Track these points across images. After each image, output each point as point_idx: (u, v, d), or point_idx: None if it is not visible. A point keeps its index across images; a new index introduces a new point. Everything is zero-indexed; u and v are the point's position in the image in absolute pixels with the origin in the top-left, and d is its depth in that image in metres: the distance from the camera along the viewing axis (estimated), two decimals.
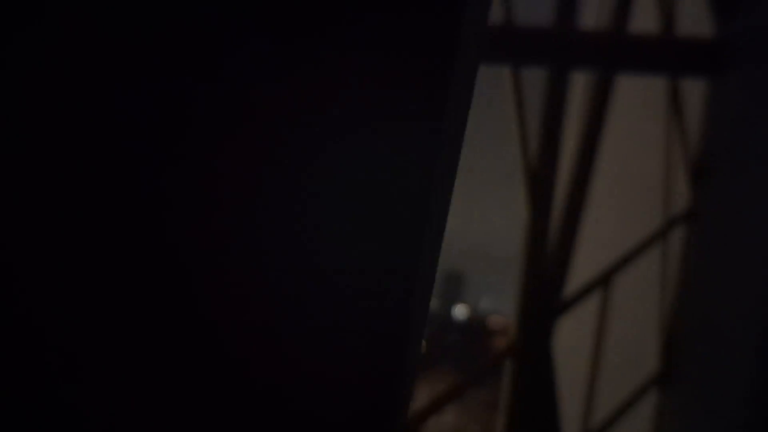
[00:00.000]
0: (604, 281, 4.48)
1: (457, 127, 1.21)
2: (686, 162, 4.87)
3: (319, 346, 1.08)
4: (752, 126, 4.57)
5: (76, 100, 1.09)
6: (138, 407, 1.07)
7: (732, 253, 4.53)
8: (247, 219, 1.09)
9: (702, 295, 4.71)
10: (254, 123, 1.10)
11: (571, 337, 4.91)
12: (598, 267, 4.59)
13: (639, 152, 5.39)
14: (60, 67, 1.10)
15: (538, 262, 3.92)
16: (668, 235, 4.88)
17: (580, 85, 4.98)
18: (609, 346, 4.66)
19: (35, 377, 1.06)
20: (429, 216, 1.12)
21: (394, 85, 1.12)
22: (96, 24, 1.10)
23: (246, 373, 1.07)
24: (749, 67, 4.66)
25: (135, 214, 1.08)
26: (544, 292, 3.95)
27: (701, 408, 4.53)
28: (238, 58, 1.10)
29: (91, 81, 1.10)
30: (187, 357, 1.07)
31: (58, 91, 1.10)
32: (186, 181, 1.09)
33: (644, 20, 4.85)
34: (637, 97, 5.34)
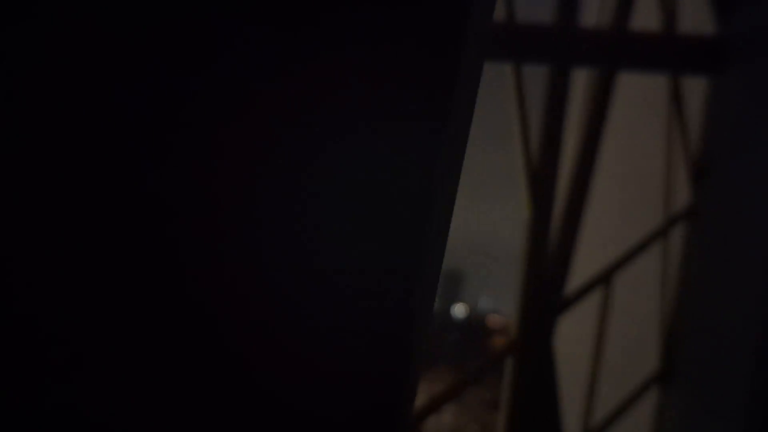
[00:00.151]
0: (605, 279, 4.48)
1: (462, 127, 1.21)
2: (687, 160, 4.87)
3: (321, 346, 1.08)
4: (753, 124, 4.56)
5: (72, 97, 1.09)
6: (139, 407, 1.06)
7: (733, 251, 4.52)
8: (247, 218, 1.08)
9: (703, 293, 4.70)
10: (254, 121, 1.10)
11: (572, 335, 4.90)
12: (599, 265, 4.58)
13: (640, 150, 5.39)
14: (55, 64, 1.09)
15: (539, 261, 3.91)
16: (669, 234, 4.87)
17: (581, 83, 4.97)
18: (610, 345, 4.66)
19: (34, 375, 1.06)
20: (431, 216, 1.11)
21: (398, 83, 1.11)
22: (91, 21, 1.09)
23: (248, 373, 1.07)
24: (750, 64, 4.65)
25: (134, 213, 1.07)
26: (544, 291, 3.95)
27: (702, 406, 4.53)
28: (239, 54, 1.09)
29: (87, 78, 1.09)
30: (189, 356, 1.06)
31: (53, 88, 1.09)
32: (185, 179, 1.08)
33: (645, 18, 4.84)
34: (638, 95, 5.33)
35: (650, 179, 5.12)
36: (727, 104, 4.76)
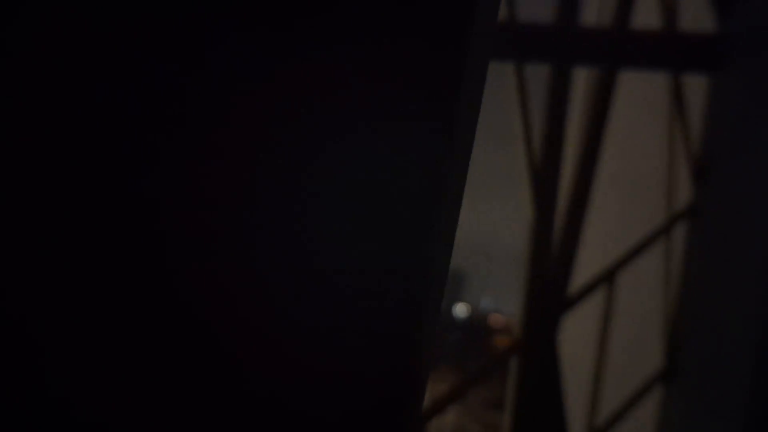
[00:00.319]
0: (608, 278, 4.48)
1: (468, 127, 1.20)
2: (688, 158, 4.87)
3: (325, 346, 1.07)
4: (754, 121, 4.56)
5: (65, 97, 1.08)
6: (139, 407, 1.05)
7: (735, 249, 4.52)
8: (246, 218, 1.08)
9: (705, 291, 4.70)
10: (255, 119, 1.09)
11: (575, 335, 4.90)
12: (602, 264, 4.59)
13: (641, 149, 5.39)
14: (46, 63, 1.08)
15: (543, 261, 3.91)
16: (671, 232, 4.87)
17: (582, 82, 4.97)
18: (613, 344, 4.66)
19: (28, 376, 1.05)
20: (438, 216, 1.11)
21: (403, 83, 1.11)
22: (84, 20, 1.08)
23: (251, 374, 1.06)
24: (751, 62, 4.66)
25: (131, 213, 1.07)
26: (548, 290, 3.95)
27: (705, 404, 4.53)
28: (239, 53, 1.09)
29: (80, 77, 1.08)
30: (189, 356, 1.06)
31: (45, 87, 1.08)
32: (184, 179, 1.08)
33: (646, 16, 4.84)
34: (639, 94, 5.33)
35: (652, 178, 5.12)
36: (728, 102, 4.75)
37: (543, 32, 3.94)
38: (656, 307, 4.89)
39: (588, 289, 4.33)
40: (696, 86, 4.92)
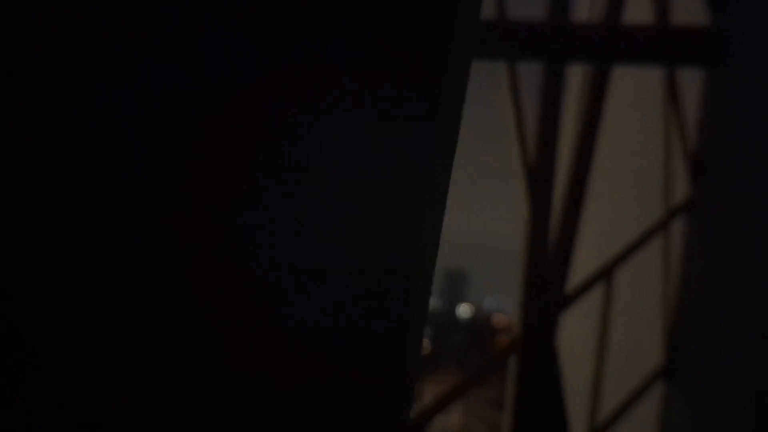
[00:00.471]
0: (606, 275, 4.47)
1: (452, 125, 1.20)
2: (685, 153, 4.86)
3: (313, 347, 1.07)
4: (751, 114, 4.55)
5: (58, 95, 1.08)
6: (137, 407, 1.05)
7: (735, 243, 4.51)
8: (236, 218, 1.08)
9: (705, 286, 4.69)
10: (241, 119, 1.09)
11: (575, 332, 4.89)
12: (600, 261, 4.57)
13: (638, 144, 5.38)
14: (40, 62, 1.08)
15: (540, 258, 3.90)
16: (669, 227, 4.86)
17: (576, 79, 4.96)
18: (613, 341, 4.65)
19: (25, 377, 1.05)
20: (424, 215, 1.10)
21: (384, 82, 1.10)
22: (78, 18, 1.08)
23: (243, 373, 1.06)
24: (747, 54, 4.65)
25: (127, 213, 1.07)
26: (546, 288, 3.94)
27: (707, 401, 4.52)
28: (226, 52, 1.09)
29: (73, 76, 1.08)
30: (183, 355, 1.05)
31: (39, 86, 1.08)
32: (179, 178, 1.07)
33: (639, 11, 4.83)
34: (634, 89, 5.32)
35: (649, 173, 5.11)
36: (725, 95, 4.75)
37: (535, 30, 3.93)
38: (655, 304, 4.88)
39: (586, 287, 4.32)
40: (691, 80, 4.91)
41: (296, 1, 1.10)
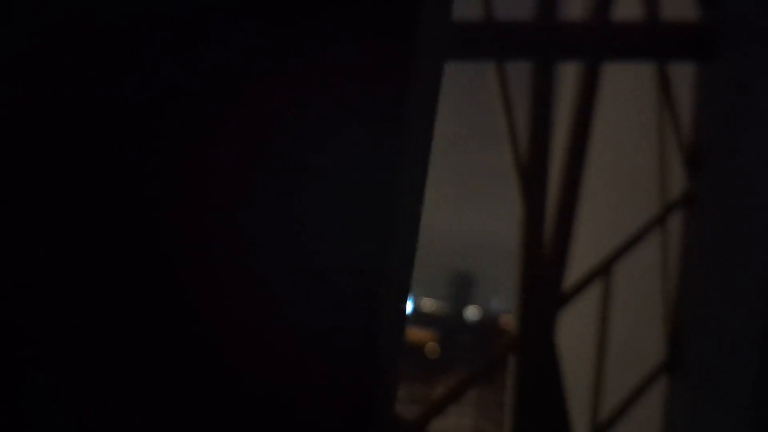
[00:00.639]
0: (603, 271, 4.46)
1: (423, 124, 1.20)
2: (680, 147, 4.86)
3: (291, 345, 1.07)
4: (745, 107, 4.55)
5: (62, 92, 1.08)
6: (133, 405, 1.05)
7: (733, 236, 4.51)
8: (224, 215, 1.08)
9: (705, 280, 4.69)
10: (233, 122, 1.09)
11: (574, 329, 4.89)
12: (598, 258, 4.57)
13: (632, 140, 5.38)
14: (44, 57, 1.08)
15: (536, 258, 3.90)
16: (666, 222, 4.86)
17: (568, 76, 4.96)
18: (613, 336, 4.64)
19: (27, 376, 1.05)
20: (395, 214, 1.10)
21: (354, 83, 1.10)
22: (83, 14, 1.08)
23: (235, 371, 1.06)
24: (738, 48, 4.64)
25: (127, 210, 1.07)
26: (543, 286, 3.94)
27: (710, 394, 4.51)
28: (208, 57, 1.09)
29: (77, 73, 1.08)
30: (179, 354, 1.06)
31: (43, 83, 1.08)
32: (177, 179, 1.08)
33: (628, 7, 4.83)
34: (627, 84, 5.32)
35: (644, 169, 5.11)
36: (718, 89, 4.74)
37: (524, 29, 3.93)
38: (655, 299, 4.88)
39: (583, 285, 4.32)
40: (684, 75, 4.91)
41: (267, 9, 1.10)
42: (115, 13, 1.10)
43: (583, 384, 4.55)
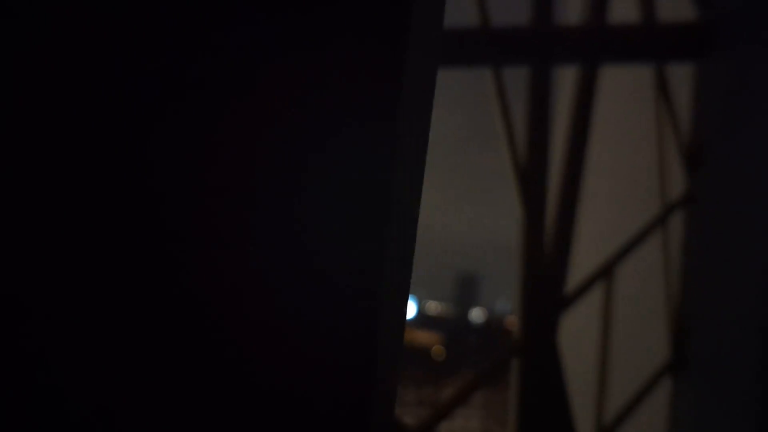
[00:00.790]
0: (605, 273, 4.47)
1: (417, 125, 1.20)
2: (680, 146, 4.86)
3: (294, 343, 1.07)
4: (743, 105, 4.56)
5: (65, 88, 1.08)
6: (135, 403, 1.06)
7: (735, 233, 4.51)
8: (222, 213, 1.08)
9: (707, 279, 4.69)
10: (230, 122, 1.09)
11: (577, 331, 4.90)
12: (599, 259, 4.58)
13: (631, 141, 5.38)
14: (46, 52, 1.08)
15: (537, 261, 3.91)
16: (667, 222, 4.86)
17: (565, 79, 4.97)
18: (617, 338, 4.65)
19: (31, 373, 1.05)
20: (393, 214, 1.10)
21: (346, 82, 1.10)
22: (83, 9, 1.08)
23: (229, 369, 1.06)
24: (735, 46, 4.65)
25: (128, 208, 1.07)
26: (545, 290, 3.94)
27: (715, 393, 4.51)
28: (199, 54, 1.09)
29: (78, 68, 1.08)
30: (181, 354, 1.06)
31: (45, 78, 1.08)
32: (177, 178, 1.08)
33: (624, 10, 4.85)
34: (625, 85, 5.33)
35: (644, 169, 5.11)
36: (716, 88, 4.75)
37: (520, 35, 3.95)
38: (657, 299, 4.88)
39: (586, 286, 4.32)
40: (681, 74, 4.91)
41: (259, 7, 1.10)
42: (106, 17, 1.10)
43: (587, 386, 4.56)
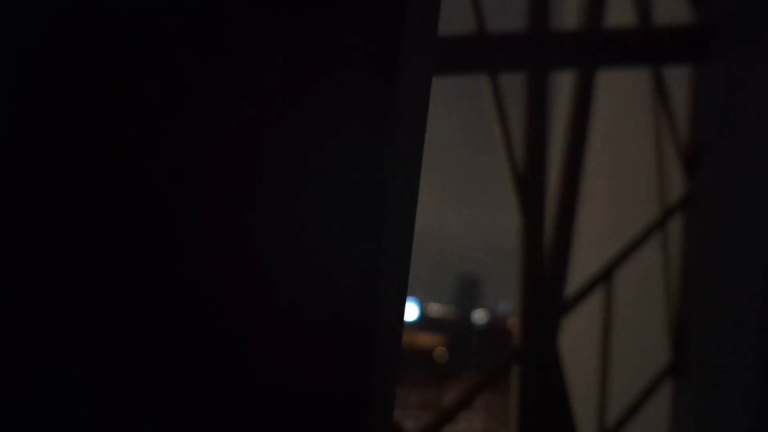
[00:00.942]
0: (605, 277, 4.47)
1: (414, 125, 1.19)
2: (678, 149, 4.87)
3: (293, 343, 1.07)
4: (740, 107, 4.57)
5: (67, 88, 1.08)
6: (137, 402, 1.07)
7: (734, 235, 4.52)
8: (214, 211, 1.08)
9: (707, 281, 4.69)
10: (229, 123, 1.09)
11: (578, 335, 4.90)
12: (599, 263, 4.58)
13: (629, 144, 5.39)
14: (49, 53, 1.08)
15: (537, 265, 3.91)
16: (666, 225, 4.87)
17: (563, 83, 4.98)
18: (618, 341, 4.65)
19: (34, 373, 1.06)
20: (390, 214, 1.10)
21: (340, 82, 1.10)
22: (85, 8, 1.09)
23: (229, 369, 1.07)
24: (732, 48, 4.66)
25: (130, 208, 1.08)
26: (545, 294, 3.94)
27: (716, 394, 4.52)
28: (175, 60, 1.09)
29: (80, 68, 1.08)
30: (180, 354, 1.07)
31: (47, 78, 1.07)
32: (177, 177, 1.08)
33: (621, 13, 4.85)
34: (623, 88, 5.33)
35: (643, 172, 5.12)
36: (713, 89, 4.76)
37: (517, 41, 3.95)
38: (658, 302, 4.88)
39: (586, 291, 4.33)
40: (679, 77, 4.92)
41: (256, 9, 1.11)
42: (107, 18, 1.10)
43: (589, 388, 4.57)
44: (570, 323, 4.38)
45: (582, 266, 4.67)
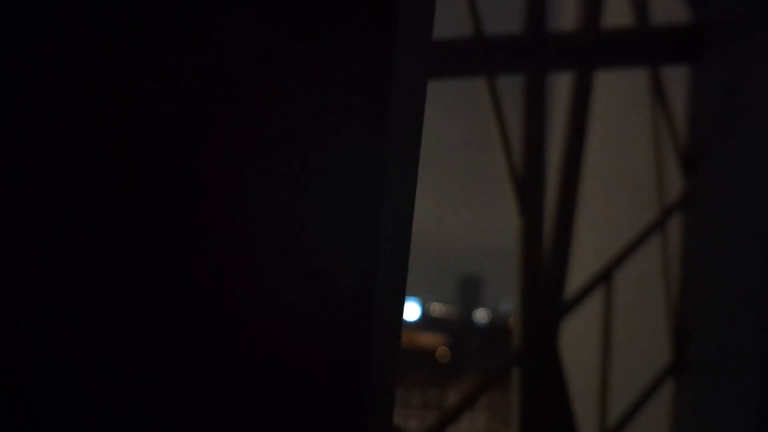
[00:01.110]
0: (605, 278, 4.47)
1: (410, 125, 1.19)
2: (676, 149, 4.87)
3: (292, 343, 1.08)
4: (738, 106, 4.57)
5: (61, 85, 1.08)
6: (134, 402, 1.07)
7: (734, 235, 4.52)
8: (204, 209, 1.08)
9: (707, 280, 4.70)
10: (228, 122, 1.10)
11: (578, 336, 4.90)
12: (598, 264, 4.58)
13: (628, 144, 5.39)
14: (41, 49, 1.08)
15: (536, 266, 3.91)
16: (666, 225, 4.87)
17: (560, 85, 4.98)
18: (618, 342, 4.66)
19: (29, 374, 1.06)
20: (388, 213, 1.10)
21: (337, 85, 1.10)
22: (79, 7, 1.09)
23: (228, 368, 1.07)
24: (729, 47, 4.66)
25: (125, 206, 1.08)
26: (544, 296, 3.95)
27: (717, 395, 4.52)
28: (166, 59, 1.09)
29: (75, 65, 1.08)
30: (178, 354, 1.07)
31: (40, 75, 1.08)
32: (176, 178, 1.08)
33: (618, 14, 4.86)
34: (621, 88, 5.34)
35: (642, 172, 5.12)
36: (712, 89, 4.76)
37: (514, 44, 3.95)
38: (658, 302, 4.89)
39: (585, 292, 4.33)
40: (677, 76, 4.92)
41: (253, 8, 1.11)
42: (104, 17, 1.10)
43: (589, 390, 4.57)
44: (570, 324, 4.38)
45: (581, 267, 4.67)
